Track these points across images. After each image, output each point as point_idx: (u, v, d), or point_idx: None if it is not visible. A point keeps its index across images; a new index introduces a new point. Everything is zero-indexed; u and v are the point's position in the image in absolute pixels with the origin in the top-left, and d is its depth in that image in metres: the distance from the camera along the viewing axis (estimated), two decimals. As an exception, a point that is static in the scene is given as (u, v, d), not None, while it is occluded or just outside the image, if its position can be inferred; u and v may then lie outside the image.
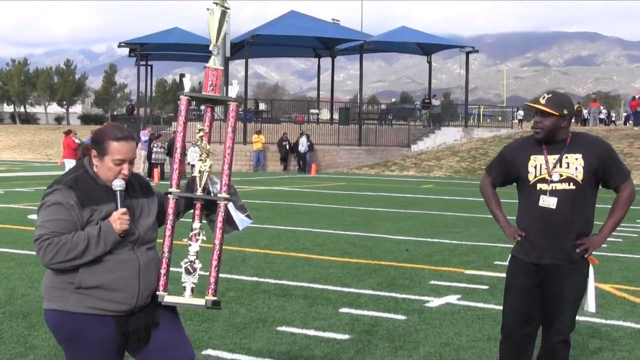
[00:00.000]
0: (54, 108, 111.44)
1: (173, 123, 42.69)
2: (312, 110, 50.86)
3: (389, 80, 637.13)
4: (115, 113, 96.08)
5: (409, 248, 12.10)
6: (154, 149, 30.87)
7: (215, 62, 3.81)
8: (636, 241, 13.54)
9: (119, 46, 47.53)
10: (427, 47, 49.90)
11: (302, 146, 38.83)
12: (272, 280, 9.19)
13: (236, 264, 10.30)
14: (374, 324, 7.17)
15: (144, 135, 33.09)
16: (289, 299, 8.21)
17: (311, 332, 6.82)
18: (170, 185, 3.79)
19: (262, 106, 51.32)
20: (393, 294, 8.53)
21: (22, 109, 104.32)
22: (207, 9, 3.81)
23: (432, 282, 9.29)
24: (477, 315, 7.50)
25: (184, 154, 3.86)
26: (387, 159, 42.74)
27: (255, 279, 9.30)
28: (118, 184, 3.64)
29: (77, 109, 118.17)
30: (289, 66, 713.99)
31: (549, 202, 4.69)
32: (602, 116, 52.02)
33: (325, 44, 48.95)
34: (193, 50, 47.17)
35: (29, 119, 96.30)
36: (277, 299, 8.20)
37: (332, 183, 30.03)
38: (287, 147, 39.54)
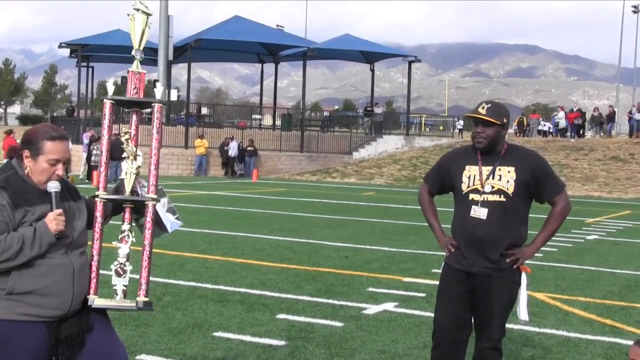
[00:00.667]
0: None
1: (114, 126, 42.06)
2: (254, 116, 50.71)
3: (333, 88, 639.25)
4: (55, 114, 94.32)
5: (348, 255, 12.12)
6: (94, 152, 30.43)
7: (137, 66, 3.83)
8: (570, 251, 13.79)
9: (60, 46, 46.77)
10: (371, 56, 50.20)
11: (232, 150, 38.51)
12: (209, 286, 9.11)
13: (174, 268, 10.19)
14: (311, 331, 7.15)
15: (86, 137, 32.59)
16: (226, 304, 8.14)
17: (247, 338, 6.77)
18: (97, 188, 3.74)
19: (204, 110, 50.99)
20: (331, 301, 8.53)
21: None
22: (128, 15, 3.83)
23: (370, 289, 9.31)
24: (414, 323, 7.54)
25: (109, 157, 3.81)
26: (329, 165, 42.85)
27: (192, 283, 9.21)
28: (53, 185, 3.55)
29: (15, 109, 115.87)
30: (232, 71, 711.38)
31: (479, 212, 4.76)
32: (541, 127, 52.97)
33: (269, 49, 48.90)
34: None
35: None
36: (214, 304, 8.12)
37: (273, 189, 29.97)
38: (229, 152, 39.36)
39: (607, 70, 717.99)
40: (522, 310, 4.86)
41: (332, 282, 9.69)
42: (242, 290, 8.94)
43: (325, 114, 61.37)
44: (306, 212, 19.76)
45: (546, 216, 4.96)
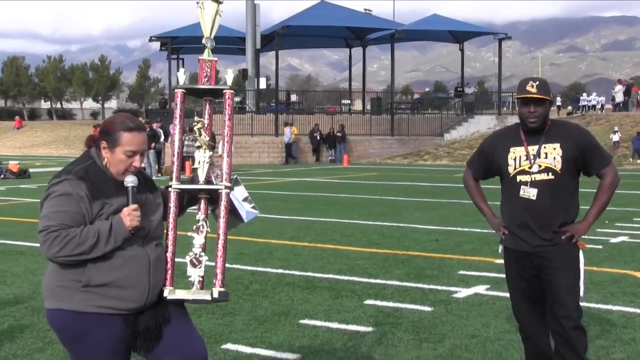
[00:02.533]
0: (90, 104, 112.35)
1: (196, 117, 42.74)
2: (343, 101, 50.67)
3: (423, 70, 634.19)
4: (149, 107, 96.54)
5: (439, 238, 11.91)
6: (186, 142, 30.94)
7: (208, 54, 3.78)
8: (673, 228, 13.19)
9: (150, 40, 47.77)
10: (460, 35, 49.44)
11: (287, 137, 37.95)
12: (297, 273, 9.06)
13: (262, 256, 10.19)
14: (399, 316, 7.01)
15: (173, 128, 33.09)
16: (314, 291, 8.07)
17: (334, 325, 6.68)
18: (171, 178, 3.67)
19: (293, 98, 51.24)
20: (420, 285, 8.37)
21: (58, 105, 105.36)
22: (197, 4, 3.79)
23: (461, 272, 9.11)
24: (506, 306, 7.28)
25: (182, 147, 3.76)
26: (420, 148, 42.45)
27: (280, 271, 9.18)
28: (130, 180, 3.50)
29: (112, 104, 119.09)
30: (322, 58, 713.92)
31: (529, 192, 4.72)
32: (588, 103, 52.16)
33: (356, 33, 48.72)
34: (224, 42, 47.16)
35: (65, 115, 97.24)
36: (302, 291, 8.07)
37: (363, 173, 29.85)
38: (319, 138, 39.39)
39: None
40: (580, 285, 4.78)
41: (421, 266, 9.52)
42: (330, 276, 8.86)
43: (416, 96, 60.85)
44: (396, 196, 19.57)
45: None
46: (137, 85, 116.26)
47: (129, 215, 3.44)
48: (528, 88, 4.66)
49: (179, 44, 48.45)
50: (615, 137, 36.52)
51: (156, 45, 51.69)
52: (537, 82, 4.69)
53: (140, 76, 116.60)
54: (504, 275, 5.26)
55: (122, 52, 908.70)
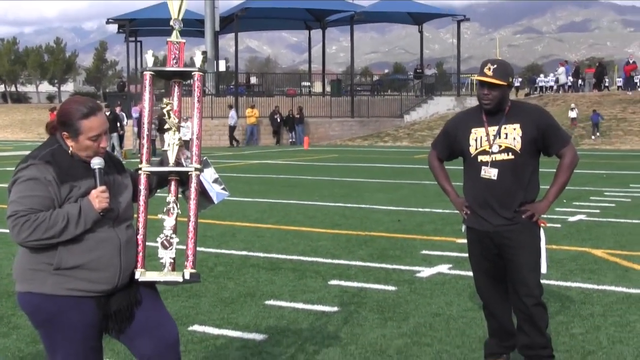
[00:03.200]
0: (46, 87, 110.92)
1: (164, 99, 42.43)
2: (304, 83, 50.61)
3: (382, 52, 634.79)
4: (107, 90, 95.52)
5: (401, 218, 12.02)
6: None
7: (177, 36, 3.78)
8: (629, 206, 13.49)
9: (107, 22, 47.15)
10: (419, 17, 49.57)
11: (232, 119, 37.35)
12: (261, 254, 9.11)
13: (226, 238, 10.22)
14: (364, 296, 7.10)
15: (135, 111, 32.86)
16: (278, 272, 8.13)
17: (299, 305, 6.75)
18: (140, 161, 3.69)
19: (253, 80, 51.04)
20: (383, 265, 8.46)
21: (13, 89, 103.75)
22: None
23: (424, 252, 9.22)
24: (468, 284, 7.41)
25: (152, 130, 3.78)
26: (380, 130, 42.60)
27: (244, 253, 9.22)
28: (97, 162, 3.50)
29: (68, 87, 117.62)
30: (281, 40, 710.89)
31: (490, 173, 4.82)
32: (543, 84, 53.12)
33: (315, 15, 48.61)
34: (183, 25, 46.71)
35: (20, 99, 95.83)
36: (266, 272, 8.12)
37: (324, 155, 29.92)
38: (279, 120, 39.35)
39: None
40: (542, 263, 4.89)
41: (384, 246, 9.62)
42: (294, 257, 8.92)
43: (375, 78, 60.99)
44: (358, 177, 19.68)
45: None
46: (94, 68, 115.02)
47: (98, 197, 3.45)
48: (485, 70, 4.76)
49: (137, 26, 47.90)
50: (573, 114, 37.25)
51: (113, 27, 51.06)
52: (495, 66, 4.76)
53: (97, 59, 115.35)
54: (466, 255, 5.37)
55: (78, 35, 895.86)
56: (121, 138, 29.40)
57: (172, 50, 3.76)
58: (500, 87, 4.74)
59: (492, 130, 4.83)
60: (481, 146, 4.85)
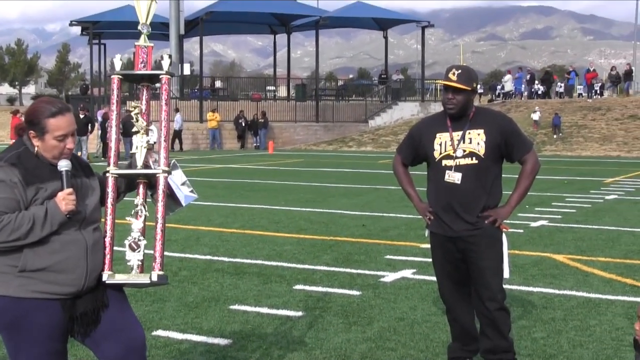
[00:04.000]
0: (6, 89, 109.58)
1: (128, 102, 42.14)
2: (268, 87, 50.56)
3: (347, 57, 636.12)
4: (69, 93, 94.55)
5: (366, 224, 12.07)
6: (109, 129, 30.47)
7: (145, 40, 3.79)
8: (589, 211, 13.67)
9: (71, 24, 46.73)
10: (383, 22, 49.79)
11: (177, 123, 36.25)
12: (226, 259, 9.09)
13: (190, 242, 10.18)
14: (328, 300, 7.12)
15: (100, 115, 32.57)
16: (243, 276, 8.12)
17: (264, 310, 6.74)
18: (108, 164, 3.68)
19: (218, 84, 50.88)
20: (348, 270, 8.49)
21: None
22: None
23: (388, 256, 9.27)
24: (432, 289, 7.46)
25: (119, 133, 3.77)
26: (345, 135, 42.71)
27: (209, 257, 9.19)
28: (64, 164, 3.48)
29: (30, 89, 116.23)
30: (246, 44, 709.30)
31: (453, 177, 4.86)
32: (559, 89, 53.45)
33: (280, 20, 48.64)
34: (147, 28, 46.42)
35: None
36: (231, 277, 8.10)
37: (289, 160, 29.92)
38: (244, 124, 39.26)
39: (624, 28, 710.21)
40: (505, 267, 4.94)
41: (349, 251, 9.65)
42: (259, 262, 8.91)
43: (340, 83, 61.14)
44: (323, 182, 19.71)
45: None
46: (57, 70, 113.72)
47: (64, 200, 3.43)
48: (449, 75, 4.82)
49: (101, 28, 47.50)
50: (536, 116, 38.19)
51: (76, 29, 50.59)
52: (459, 71, 4.82)
53: (59, 61, 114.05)
54: (430, 260, 5.41)
55: (40, 36, 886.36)
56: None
57: (140, 54, 3.75)
58: (464, 92, 4.79)
59: (457, 135, 4.87)
60: (445, 151, 4.89)
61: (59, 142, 3.49)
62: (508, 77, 50.02)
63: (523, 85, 48.09)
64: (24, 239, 3.37)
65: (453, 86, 4.78)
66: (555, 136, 36.79)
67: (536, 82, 48.81)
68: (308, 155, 34.08)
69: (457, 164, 4.85)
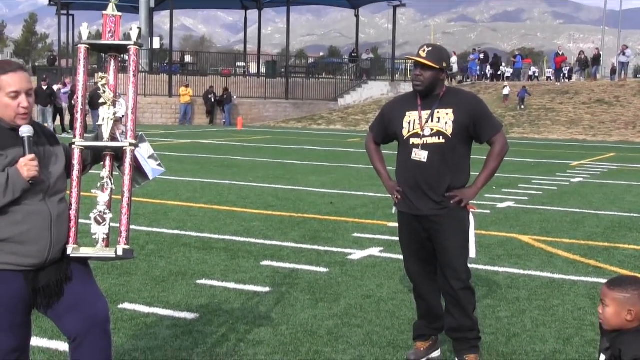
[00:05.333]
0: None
1: (96, 75, 41.70)
2: (239, 64, 50.28)
3: (318, 34, 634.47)
4: (36, 64, 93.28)
5: (333, 201, 12.09)
6: (75, 101, 30.09)
7: (113, 8, 3.71)
8: (555, 194, 13.81)
9: (39, -6, 45.99)
10: (355, 1, 49.69)
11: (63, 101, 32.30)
12: (193, 234, 9.07)
13: (157, 217, 10.14)
14: (295, 277, 7.14)
15: (66, 86, 32.11)
16: (210, 251, 8.11)
17: (231, 285, 6.75)
18: (74, 135, 3.63)
19: (188, 59, 50.51)
20: (315, 247, 8.51)
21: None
22: None
23: (355, 234, 9.30)
24: (399, 267, 7.51)
25: (86, 104, 3.71)
26: (314, 112, 42.66)
27: (176, 232, 9.16)
28: (26, 130, 3.42)
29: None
30: (216, 19, 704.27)
31: (420, 155, 4.88)
32: (530, 73, 53.98)
33: (252, -5, 48.32)
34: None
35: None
36: (198, 252, 8.09)
37: (258, 137, 29.85)
38: (213, 100, 39.04)
39: (593, 13, 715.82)
40: (471, 247, 4.98)
41: (317, 228, 9.67)
42: (226, 237, 8.91)
43: (310, 60, 60.96)
44: (291, 159, 19.69)
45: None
46: (24, 40, 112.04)
47: (26, 166, 3.37)
48: (420, 52, 4.84)
49: (69, -1, 46.89)
50: (506, 91, 39.18)
51: (44, -1, 49.90)
52: (430, 49, 4.84)
53: (26, 31, 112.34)
54: (396, 238, 5.44)
55: (7, 5, 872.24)
56: (57, 113, 28.97)
57: (107, 24, 3.69)
58: (433, 70, 4.80)
59: (425, 114, 4.89)
60: (413, 129, 4.91)
61: (13, 99, 3.42)
62: (454, 58, 49.99)
63: (477, 67, 48.23)
64: None
65: (421, 62, 4.79)
66: (521, 107, 38.03)
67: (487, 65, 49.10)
68: (277, 132, 34.01)
69: (424, 142, 4.86)
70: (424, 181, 4.87)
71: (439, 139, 4.84)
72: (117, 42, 3.68)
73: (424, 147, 4.86)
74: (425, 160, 4.85)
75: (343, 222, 10.18)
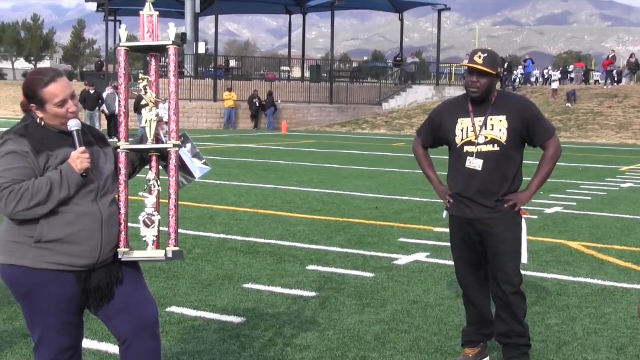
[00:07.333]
0: (22, 64, 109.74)
1: (140, 75, 42.10)
2: (283, 68, 50.46)
3: (362, 39, 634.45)
4: (84, 69, 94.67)
5: (379, 206, 12.05)
6: (119, 104, 30.33)
7: (150, 8, 3.67)
8: (604, 199, 13.60)
9: (87, 0, 46.69)
10: (399, 5, 49.59)
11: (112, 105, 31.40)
12: (239, 238, 9.10)
13: (204, 221, 10.19)
14: (342, 282, 7.12)
15: (108, 90, 32.45)
16: (256, 256, 8.13)
17: (278, 290, 6.75)
18: (119, 139, 3.65)
19: (233, 63, 50.84)
20: (361, 252, 8.48)
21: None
22: None
23: (401, 239, 9.25)
24: (446, 273, 7.46)
25: (128, 108, 3.72)
26: (359, 117, 42.63)
27: (222, 236, 9.20)
28: (74, 124, 3.50)
29: (45, 64, 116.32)
30: (261, 24, 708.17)
31: (475, 164, 4.85)
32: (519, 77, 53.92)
33: (296, 0, 48.44)
34: (163, 6, 46.45)
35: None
36: (244, 256, 8.11)
37: (302, 141, 29.90)
38: (258, 104, 39.22)
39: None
40: (523, 252, 4.93)
41: (362, 233, 9.64)
42: (272, 242, 8.92)
43: (355, 65, 60.93)
44: (336, 164, 19.69)
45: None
46: (72, 46, 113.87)
47: (78, 159, 3.43)
48: (475, 58, 4.76)
49: (117, 5, 47.51)
50: (555, 85, 39.07)
51: (92, 6, 50.63)
52: (485, 55, 4.77)
53: (75, 37, 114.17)
54: (443, 243, 5.41)
55: (56, 12, 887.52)
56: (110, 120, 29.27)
57: (145, 24, 3.66)
58: (489, 76, 4.75)
59: (479, 121, 4.84)
60: (467, 137, 4.86)
61: (60, 108, 3.49)
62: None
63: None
64: (45, 203, 3.38)
65: (478, 69, 4.73)
66: (568, 104, 38.15)
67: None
68: (321, 136, 34.04)
69: (479, 150, 4.82)
70: (478, 189, 4.84)
71: (493, 146, 4.80)
72: (155, 42, 3.65)
73: (479, 155, 4.83)
74: (480, 169, 4.82)
75: (389, 227, 10.13)
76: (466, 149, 4.87)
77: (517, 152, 4.88)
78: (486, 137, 4.81)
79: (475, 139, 4.83)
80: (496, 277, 4.87)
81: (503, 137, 4.79)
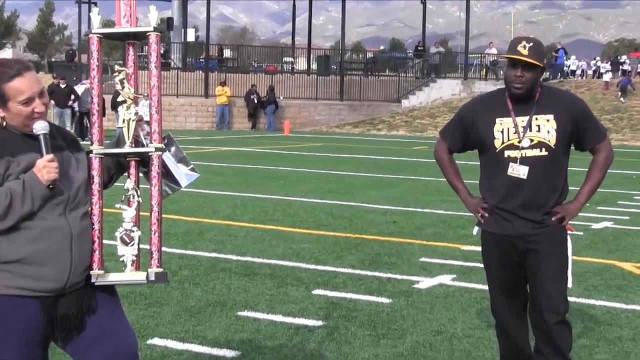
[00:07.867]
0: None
1: (115, 67, 42.26)
2: (286, 59, 50.62)
3: (378, 25, 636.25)
4: (53, 59, 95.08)
5: (397, 220, 12.08)
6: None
7: None
8: (662, 213, 13.58)
9: (57, -20, 46.87)
10: (422, -15, 49.69)
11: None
12: (233, 257, 9.12)
13: (192, 237, 10.22)
14: (353, 309, 7.12)
15: (83, 85, 32.64)
16: (253, 278, 8.15)
17: (278, 318, 6.76)
18: (91, 142, 3.60)
19: (227, 53, 51.01)
20: (376, 274, 8.50)
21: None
22: None
23: (423, 259, 9.26)
24: (475, 299, 7.46)
25: (102, 105, 3.70)
26: (374, 116, 42.72)
27: (214, 255, 9.23)
28: (40, 127, 3.44)
29: (6, 53, 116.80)
30: (260, 7, 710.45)
31: (519, 171, 4.78)
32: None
33: (301, -21, 48.65)
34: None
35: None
36: (239, 278, 8.13)
37: (308, 144, 29.99)
38: (256, 101, 39.31)
39: None
40: (568, 275, 4.90)
41: (377, 251, 9.66)
42: (272, 262, 8.94)
43: (369, 55, 61.03)
44: (347, 171, 19.75)
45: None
46: (38, 32, 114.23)
47: (45, 168, 3.39)
48: (519, 49, 4.67)
49: (91, -15, 47.70)
50: (607, 77, 39.44)
51: (62, -14, 50.88)
52: (531, 44, 4.69)
53: (41, 22, 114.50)
54: (472, 264, 5.40)
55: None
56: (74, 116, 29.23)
57: (122, 8, 3.61)
58: (535, 69, 4.68)
59: (521, 121, 4.78)
60: (509, 140, 4.78)
61: (25, 106, 3.44)
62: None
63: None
64: (3, 218, 3.35)
65: (523, 61, 4.66)
66: (622, 99, 38.68)
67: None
68: (330, 138, 34.12)
69: (523, 155, 4.76)
70: (522, 201, 4.78)
71: (540, 151, 4.75)
72: (132, 28, 3.61)
73: (523, 161, 4.76)
74: (525, 177, 4.75)
75: (408, 245, 10.15)
76: (507, 153, 4.79)
77: (564, 157, 4.85)
78: (531, 140, 4.75)
79: (519, 142, 4.77)
80: (538, 302, 4.83)
81: (552, 139, 4.74)
